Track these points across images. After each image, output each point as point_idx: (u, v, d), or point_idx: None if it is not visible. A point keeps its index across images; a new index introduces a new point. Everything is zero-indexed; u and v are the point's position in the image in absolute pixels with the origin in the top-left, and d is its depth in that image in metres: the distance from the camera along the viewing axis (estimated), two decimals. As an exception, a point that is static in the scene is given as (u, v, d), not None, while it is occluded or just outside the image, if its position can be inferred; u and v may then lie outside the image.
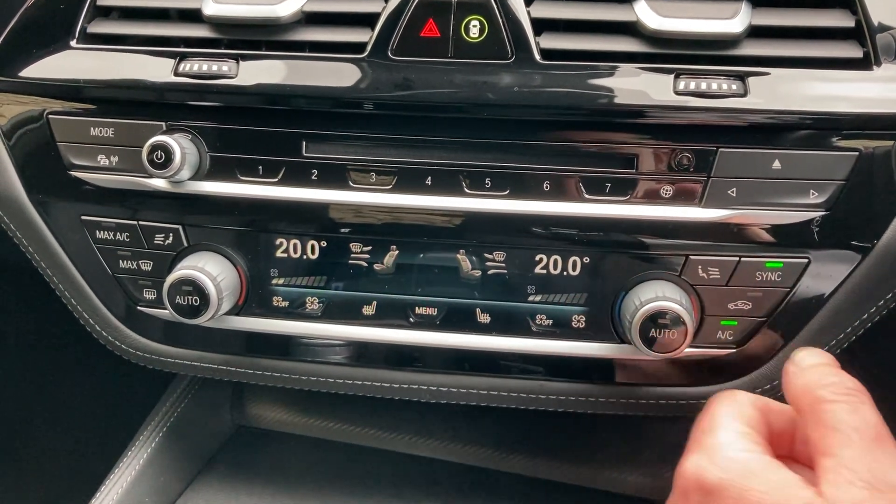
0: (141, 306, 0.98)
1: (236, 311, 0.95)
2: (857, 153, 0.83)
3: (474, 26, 0.85)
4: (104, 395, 1.52)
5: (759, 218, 0.85)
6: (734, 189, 0.84)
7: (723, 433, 0.69)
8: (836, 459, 0.63)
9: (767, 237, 0.86)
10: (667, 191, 0.86)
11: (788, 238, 0.86)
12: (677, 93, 0.83)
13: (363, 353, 0.97)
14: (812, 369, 0.70)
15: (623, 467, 1.20)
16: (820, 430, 0.65)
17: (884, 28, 0.84)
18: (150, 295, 0.97)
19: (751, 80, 0.83)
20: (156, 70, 0.90)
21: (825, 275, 0.87)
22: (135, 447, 1.13)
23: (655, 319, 0.83)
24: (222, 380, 1.04)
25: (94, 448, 1.40)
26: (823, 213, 0.85)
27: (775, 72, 0.84)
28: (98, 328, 1.02)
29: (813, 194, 0.84)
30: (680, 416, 0.96)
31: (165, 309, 0.91)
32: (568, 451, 1.22)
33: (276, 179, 0.90)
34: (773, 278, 0.87)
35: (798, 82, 0.83)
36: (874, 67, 0.83)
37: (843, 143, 0.84)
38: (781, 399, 0.74)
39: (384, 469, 1.20)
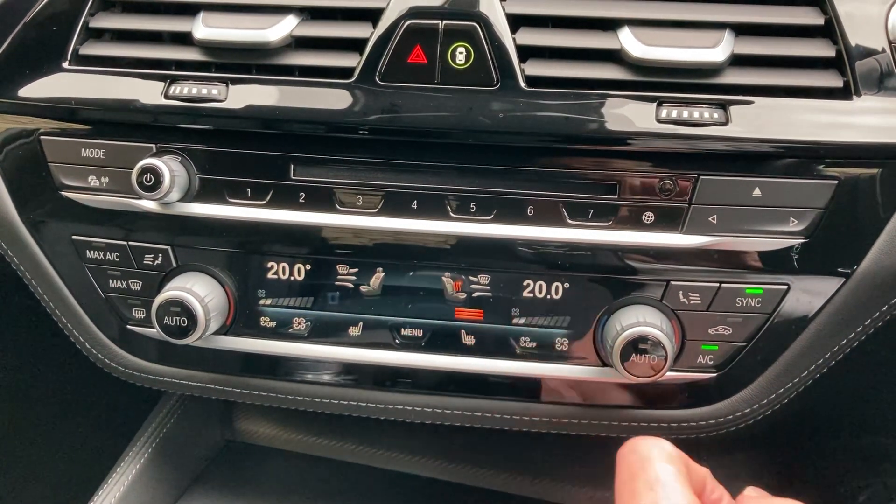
0: (130, 325, 0.99)
1: (224, 331, 0.97)
2: (836, 181, 0.85)
3: (461, 53, 0.86)
4: (94, 411, 1.52)
5: (739, 245, 0.86)
6: (715, 216, 0.86)
7: (675, 496, 0.70)
8: None
9: (747, 263, 0.87)
10: (648, 217, 0.87)
11: (768, 265, 0.87)
12: (660, 121, 0.84)
13: (350, 374, 0.98)
14: None
15: (607, 485, 1.20)
16: None
17: (864, 58, 0.85)
18: (139, 314, 0.98)
19: (732, 108, 0.84)
20: (146, 93, 0.91)
21: (805, 301, 0.88)
22: (124, 463, 1.13)
23: (636, 344, 0.84)
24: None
25: (84, 464, 1.40)
26: (803, 240, 0.86)
27: (757, 100, 0.85)
28: (88, 346, 1.03)
29: (793, 222, 0.85)
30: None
31: (154, 328, 0.92)
32: (553, 469, 1.23)
33: (264, 202, 0.91)
34: (753, 304, 0.88)
35: (779, 111, 0.85)
36: (854, 97, 0.85)
37: (823, 172, 0.85)
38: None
39: (370, 484, 1.21)
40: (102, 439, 1.32)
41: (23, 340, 1.44)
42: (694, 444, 1.16)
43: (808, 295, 0.88)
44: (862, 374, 1.21)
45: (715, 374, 0.91)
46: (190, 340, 0.91)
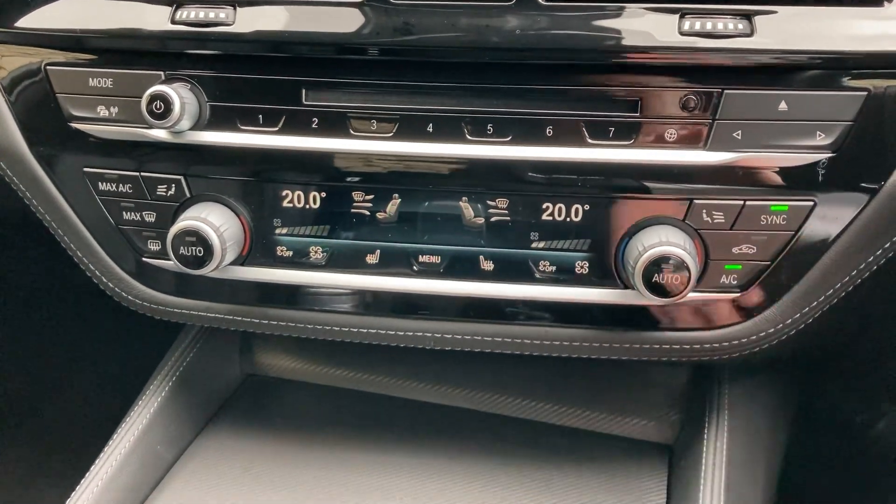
0: (146, 257, 0.99)
1: (241, 261, 0.96)
2: (865, 93, 0.82)
3: None
4: (113, 346, 1.54)
5: (764, 160, 0.84)
6: (739, 131, 0.83)
7: None
8: None
9: (773, 180, 0.85)
10: (671, 134, 0.85)
11: (794, 181, 0.85)
12: (682, 33, 0.81)
13: (368, 302, 0.98)
14: None
15: (628, 411, 1.21)
16: None
17: None
18: (154, 246, 0.97)
19: (757, 18, 0.81)
20: (152, 18, 0.89)
21: (831, 217, 0.86)
22: (145, 396, 1.14)
23: (659, 264, 0.83)
24: (230, 329, 1.05)
25: (104, 398, 1.42)
26: (830, 154, 0.83)
27: (782, 10, 0.82)
28: (105, 280, 1.02)
29: (819, 136, 0.83)
30: (685, 361, 0.97)
31: (170, 260, 0.91)
32: (573, 395, 1.23)
33: (276, 128, 0.90)
34: (777, 221, 0.86)
35: (805, 21, 0.81)
36: (885, 4, 0.81)
37: (851, 83, 0.82)
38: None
39: (391, 415, 1.22)
40: (124, 373, 1.33)
41: (38, 279, 1.45)
42: (715, 369, 1.17)
43: (835, 211, 0.86)
44: (884, 300, 1.19)
45: (738, 294, 0.90)
46: (206, 271, 0.90)
